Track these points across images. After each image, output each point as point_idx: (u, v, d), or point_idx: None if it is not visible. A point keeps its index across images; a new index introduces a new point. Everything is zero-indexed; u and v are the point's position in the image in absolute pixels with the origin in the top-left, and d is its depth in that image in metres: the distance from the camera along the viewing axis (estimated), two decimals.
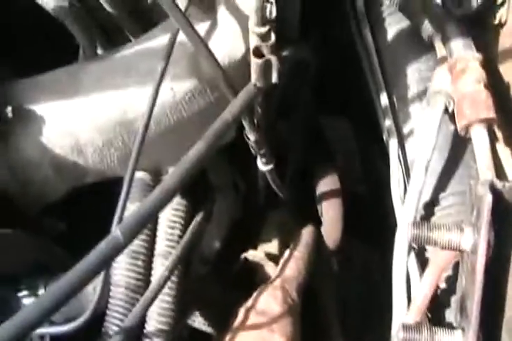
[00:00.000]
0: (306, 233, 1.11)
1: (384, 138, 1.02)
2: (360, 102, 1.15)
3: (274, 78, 0.77)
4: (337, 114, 1.33)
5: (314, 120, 1.26)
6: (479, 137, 0.83)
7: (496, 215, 0.68)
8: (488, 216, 0.67)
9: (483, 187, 0.69)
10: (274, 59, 0.75)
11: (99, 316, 0.89)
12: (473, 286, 0.67)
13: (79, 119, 0.88)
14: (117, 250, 0.63)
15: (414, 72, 1.00)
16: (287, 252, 1.07)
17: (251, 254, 1.11)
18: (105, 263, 0.61)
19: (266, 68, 0.76)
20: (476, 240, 0.68)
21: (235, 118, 0.75)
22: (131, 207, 0.88)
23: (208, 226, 1.04)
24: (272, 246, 1.14)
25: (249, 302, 0.97)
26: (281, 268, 1.04)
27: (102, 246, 0.62)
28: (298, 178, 1.17)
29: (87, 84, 0.88)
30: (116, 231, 0.63)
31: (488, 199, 0.67)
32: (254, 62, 0.76)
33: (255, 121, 0.87)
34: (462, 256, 0.74)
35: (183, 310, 0.98)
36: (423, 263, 0.83)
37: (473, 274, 0.67)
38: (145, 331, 0.93)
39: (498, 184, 0.70)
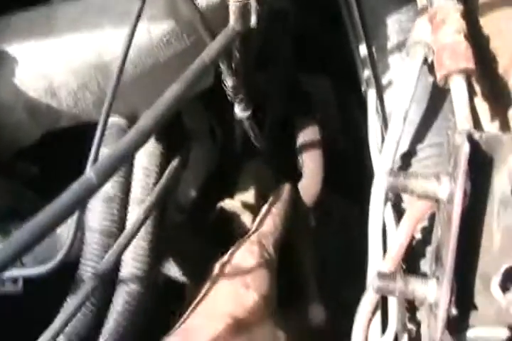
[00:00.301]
0: (284, 188, 1.10)
1: (362, 89, 1.02)
2: (339, 56, 1.15)
3: (253, 21, 0.76)
4: (317, 70, 1.32)
5: (294, 75, 1.25)
6: (458, 87, 0.82)
7: (473, 165, 0.67)
8: (465, 165, 0.67)
9: (461, 137, 0.68)
10: (253, 1, 0.74)
11: (73, 261, 0.89)
12: (448, 235, 0.67)
13: (53, 61, 0.86)
14: (90, 191, 0.62)
15: (394, 23, 0.99)
16: (264, 208, 1.06)
17: (227, 203, 1.10)
18: (78, 204, 0.60)
19: (245, 11, 0.75)
20: (452, 189, 0.68)
21: (212, 61, 0.74)
22: (105, 152, 0.86)
23: (184, 174, 1.04)
24: (249, 196, 1.13)
25: (225, 257, 0.95)
26: (259, 223, 1.03)
27: (75, 187, 0.61)
28: (276, 129, 1.16)
29: (61, 25, 0.86)
30: (89, 172, 0.62)
31: (465, 148, 0.67)
32: (233, 5, 0.74)
33: (233, 65, 0.85)
34: (438, 206, 0.74)
35: (157, 257, 0.97)
36: (399, 214, 0.84)
37: (449, 223, 0.67)
38: (119, 276, 0.93)
39: (476, 134, 0.70)
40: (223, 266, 0.93)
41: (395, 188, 0.72)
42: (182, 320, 0.85)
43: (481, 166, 0.69)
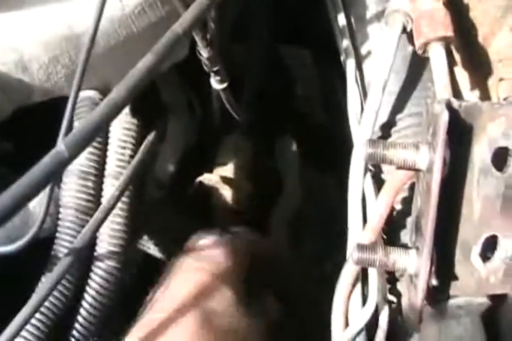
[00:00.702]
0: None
1: (341, 59, 1.00)
2: (319, 27, 1.14)
3: None
4: (296, 42, 1.30)
5: (272, 47, 1.24)
6: (437, 56, 0.81)
7: (452, 134, 0.66)
8: (444, 134, 0.66)
9: (440, 106, 0.68)
10: None
11: (48, 239, 0.88)
12: (428, 205, 0.66)
13: (22, 34, 0.84)
14: (62, 164, 0.60)
15: None
16: None
17: (206, 178, 1.10)
18: (49, 178, 0.59)
19: None
20: (431, 158, 0.67)
21: (186, 31, 0.72)
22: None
23: (161, 149, 1.03)
24: (228, 170, 1.13)
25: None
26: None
27: (46, 160, 0.59)
28: (255, 102, 1.15)
29: None
30: (60, 145, 0.60)
31: (444, 117, 0.66)
32: None
33: (208, 36, 0.84)
34: (418, 175, 0.73)
35: (135, 233, 0.96)
36: (379, 185, 0.83)
37: (429, 193, 0.66)
38: (96, 253, 0.92)
39: (455, 103, 0.69)
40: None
41: (374, 158, 0.71)
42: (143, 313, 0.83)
43: (460, 135, 0.69)
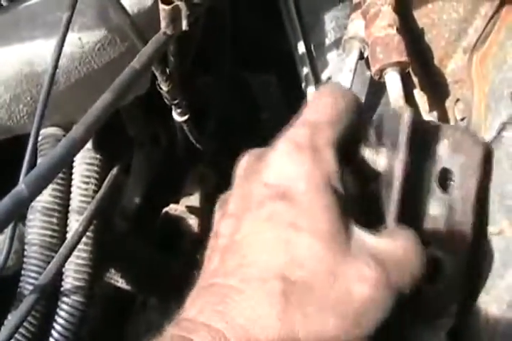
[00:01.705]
0: None
1: (302, 86, 1.02)
2: (282, 54, 1.15)
3: (184, 25, 0.75)
4: (262, 70, 1.32)
5: (236, 76, 1.25)
6: (392, 81, 0.83)
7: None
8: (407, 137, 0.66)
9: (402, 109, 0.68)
10: (182, 5, 0.74)
11: (14, 277, 0.88)
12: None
13: None
14: (22, 204, 0.61)
15: (331, 20, 1.00)
16: None
17: (172, 208, 1.10)
18: (10, 218, 0.60)
19: (175, 15, 0.75)
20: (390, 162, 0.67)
21: (144, 67, 0.73)
22: None
23: (127, 181, 1.03)
24: (194, 200, 1.13)
25: None
26: None
27: (6, 201, 0.60)
28: (219, 132, 1.16)
29: None
30: (20, 185, 0.61)
31: (407, 119, 0.66)
32: (163, 9, 0.74)
33: (167, 70, 0.85)
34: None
35: (102, 267, 0.96)
36: None
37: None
38: (62, 289, 0.92)
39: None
40: None
41: None
42: None
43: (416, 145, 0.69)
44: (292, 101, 1.22)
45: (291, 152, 0.57)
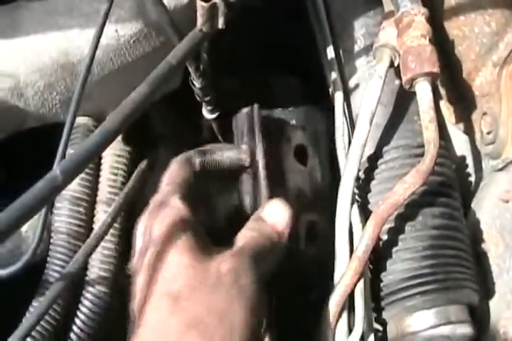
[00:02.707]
0: None
1: (330, 91, 1.02)
2: (310, 58, 1.16)
3: (221, 23, 0.75)
4: (287, 73, 1.31)
5: (264, 79, 1.25)
6: (423, 91, 0.83)
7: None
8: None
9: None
10: (220, 3, 0.74)
11: (40, 264, 0.88)
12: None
13: (19, 61, 0.85)
14: (56, 190, 0.61)
15: (361, 27, 1.00)
16: None
17: None
18: (43, 203, 0.60)
19: (212, 12, 0.75)
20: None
21: (180, 62, 0.73)
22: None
23: (151, 177, 1.03)
24: None
25: None
26: None
27: (40, 185, 0.60)
28: None
29: (27, 24, 0.85)
30: (55, 170, 0.61)
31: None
32: (200, 6, 0.74)
33: (201, 67, 0.85)
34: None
35: (126, 259, 0.96)
36: (366, 215, 0.84)
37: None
38: (87, 278, 0.93)
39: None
40: None
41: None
42: None
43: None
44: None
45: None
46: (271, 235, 0.74)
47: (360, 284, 0.76)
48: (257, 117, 0.87)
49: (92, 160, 0.66)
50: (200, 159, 0.82)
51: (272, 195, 0.80)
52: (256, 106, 0.91)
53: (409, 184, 0.78)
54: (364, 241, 0.77)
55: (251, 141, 0.87)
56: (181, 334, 0.62)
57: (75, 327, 0.90)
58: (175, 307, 0.63)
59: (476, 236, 0.86)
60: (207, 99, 0.90)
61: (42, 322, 0.85)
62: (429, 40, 0.85)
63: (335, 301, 0.75)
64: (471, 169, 0.93)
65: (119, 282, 0.93)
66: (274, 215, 0.76)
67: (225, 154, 0.85)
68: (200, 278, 0.65)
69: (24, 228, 0.89)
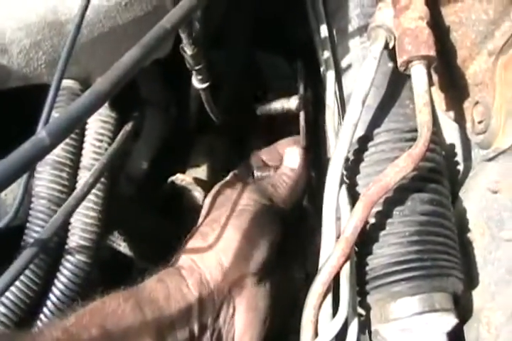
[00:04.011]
0: None
1: (321, 70, 1.00)
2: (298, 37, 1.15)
3: None
4: (275, 52, 1.30)
5: (252, 54, 1.23)
6: (418, 74, 0.82)
7: None
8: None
9: None
10: None
11: (18, 229, 0.85)
12: None
13: (5, 16, 0.81)
14: (42, 152, 0.57)
15: (356, 7, 0.98)
16: None
17: (179, 178, 1.08)
18: (29, 165, 0.56)
19: None
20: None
21: (174, 27, 0.70)
22: (55, 116, 0.82)
23: (135, 145, 1.01)
24: (200, 172, 1.12)
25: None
26: None
27: (26, 147, 0.57)
28: (231, 106, 1.14)
29: None
30: (41, 132, 0.58)
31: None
32: None
33: (193, 34, 0.82)
34: None
35: (106, 229, 0.94)
36: (353, 197, 0.83)
37: None
38: (66, 247, 0.90)
39: None
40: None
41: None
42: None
43: None
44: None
45: None
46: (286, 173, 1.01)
47: (347, 266, 0.74)
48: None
49: (80, 122, 0.62)
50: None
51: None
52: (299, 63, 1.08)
53: (401, 168, 0.76)
54: (352, 222, 0.75)
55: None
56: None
57: (52, 296, 0.88)
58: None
59: (462, 225, 0.85)
60: (197, 67, 0.87)
61: (15, 290, 0.83)
62: (427, 23, 0.83)
63: (320, 281, 0.73)
64: (459, 158, 0.92)
65: (100, 253, 0.90)
66: (288, 158, 1.03)
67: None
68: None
69: (3, 191, 0.86)
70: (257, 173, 1.04)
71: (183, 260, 0.87)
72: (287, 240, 0.94)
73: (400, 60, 0.83)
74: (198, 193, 1.06)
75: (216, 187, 0.97)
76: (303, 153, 1.04)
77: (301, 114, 1.07)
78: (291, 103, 1.09)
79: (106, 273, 0.94)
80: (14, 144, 0.57)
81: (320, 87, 1.10)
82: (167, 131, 1.11)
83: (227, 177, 1.00)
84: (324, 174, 0.82)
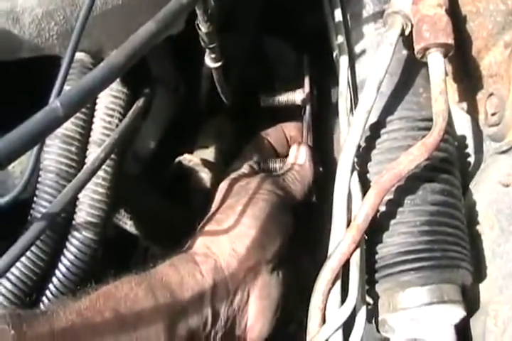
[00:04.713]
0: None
1: (334, 55, 0.99)
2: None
3: None
4: (283, 38, 1.29)
5: (259, 39, 1.23)
6: (436, 61, 0.81)
7: None
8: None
9: None
10: None
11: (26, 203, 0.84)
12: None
13: None
14: (56, 122, 0.56)
15: None
16: None
17: (186, 158, 1.06)
18: (42, 135, 0.55)
19: None
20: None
21: (190, 2, 0.69)
22: (66, 89, 0.80)
23: (144, 124, 0.99)
24: (208, 154, 1.10)
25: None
26: None
27: (39, 117, 0.55)
28: (239, 89, 1.13)
29: None
30: (55, 102, 0.56)
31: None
32: None
33: (209, 11, 0.80)
34: None
35: (114, 206, 0.93)
36: (365, 184, 0.82)
37: None
38: (74, 222, 0.89)
39: None
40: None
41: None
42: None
43: None
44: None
45: None
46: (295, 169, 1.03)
47: (357, 253, 0.73)
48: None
49: (93, 95, 0.61)
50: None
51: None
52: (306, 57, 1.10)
53: (415, 156, 0.75)
54: (364, 209, 0.73)
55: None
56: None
57: (58, 273, 0.86)
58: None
59: (471, 217, 0.84)
60: (212, 46, 0.85)
61: (20, 266, 0.82)
62: (446, 10, 0.82)
63: (330, 268, 0.72)
64: (471, 149, 0.90)
65: (107, 231, 0.89)
66: (295, 155, 1.05)
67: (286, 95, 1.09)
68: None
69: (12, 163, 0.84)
70: (264, 166, 1.05)
71: (197, 246, 0.87)
72: (298, 233, 0.94)
73: (417, 47, 0.81)
74: (204, 174, 1.05)
75: (232, 176, 0.98)
76: (308, 149, 1.05)
77: (307, 109, 1.08)
78: (297, 96, 1.10)
79: (110, 251, 0.93)
80: (24, 116, 0.55)
81: (327, 78, 1.10)
82: (176, 110, 1.09)
83: (243, 168, 1.00)
84: (331, 168, 0.81)
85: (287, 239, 0.91)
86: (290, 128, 1.11)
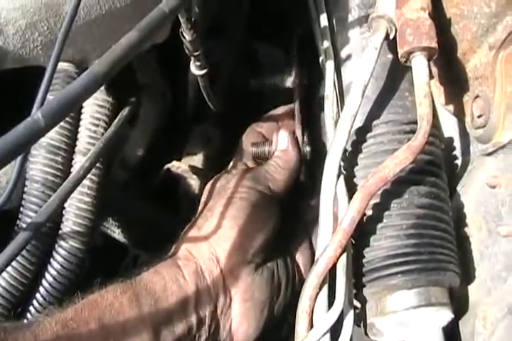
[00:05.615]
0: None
1: (320, 59, 0.99)
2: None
3: None
4: (273, 43, 1.29)
5: (248, 43, 1.23)
6: (419, 65, 0.81)
7: None
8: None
9: None
10: None
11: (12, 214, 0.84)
12: None
13: None
14: (37, 134, 0.56)
15: None
16: None
17: (174, 165, 1.07)
18: (24, 146, 0.55)
19: None
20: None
21: (172, 10, 0.69)
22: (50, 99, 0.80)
23: (132, 132, 0.99)
24: (196, 160, 1.11)
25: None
26: None
27: (20, 128, 0.55)
28: (226, 95, 1.13)
29: None
30: (36, 113, 0.56)
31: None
32: None
33: (192, 19, 0.81)
34: None
35: (101, 216, 0.93)
36: (351, 189, 0.82)
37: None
38: (60, 232, 0.89)
39: None
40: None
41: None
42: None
43: None
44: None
45: None
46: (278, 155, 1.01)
47: (343, 258, 0.73)
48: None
49: (76, 105, 0.61)
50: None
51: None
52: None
53: (400, 160, 0.75)
54: (350, 213, 0.74)
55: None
56: None
57: (44, 282, 0.86)
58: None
59: (459, 219, 0.84)
60: (196, 53, 0.85)
61: (6, 276, 0.82)
62: (429, 14, 0.83)
63: (316, 273, 0.72)
64: (458, 152, 0.91)
65: (94, 240, 0.89)
66: (277, 141, 1.03)
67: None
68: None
69: None
70: (252, 149, 1.04)
71: (180, 250, 0.88)
72: (287, 222, 0.94)
73: (400, 51, 0.81)
74: (193, 181, 1.05)
75: (216, 176, 0.98)
76: (288, 133, 1.03)
77: (296, 93, 1.07)
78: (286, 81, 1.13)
79: (99, 260, 0.93)
80: (8, 127, 0.55)
81: (316, 79, 1.11)
82: (163, 118, 1.10)
83: (238, 165, 1.01)
84: (322, 164, 0.81)
85: (273, 233, 0.91)
86: (282, 116, 1.10)
